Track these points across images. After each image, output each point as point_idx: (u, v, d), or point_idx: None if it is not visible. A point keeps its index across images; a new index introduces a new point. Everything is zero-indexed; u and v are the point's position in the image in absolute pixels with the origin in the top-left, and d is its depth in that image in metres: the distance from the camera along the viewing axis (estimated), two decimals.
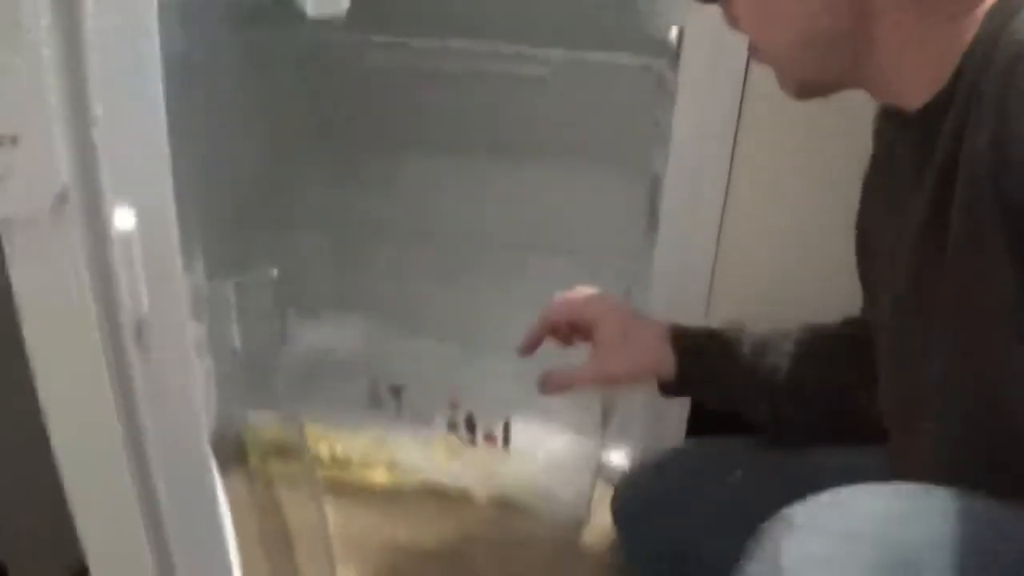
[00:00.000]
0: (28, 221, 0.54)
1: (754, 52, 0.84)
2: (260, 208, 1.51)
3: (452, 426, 1.40)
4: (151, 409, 0.68)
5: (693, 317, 1.23)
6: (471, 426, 1.39)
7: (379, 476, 1.38)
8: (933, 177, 0.75)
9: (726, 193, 1.21)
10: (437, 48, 1.39)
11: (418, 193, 1.60)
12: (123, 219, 0.61)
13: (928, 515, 0.64)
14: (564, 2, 1.53)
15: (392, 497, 1.35)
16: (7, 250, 0.55)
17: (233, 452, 1.34)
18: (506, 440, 1.38)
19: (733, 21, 0.84)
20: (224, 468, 1.26)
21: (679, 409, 1.29)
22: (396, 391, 1.42)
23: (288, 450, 1.37)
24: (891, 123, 0.85)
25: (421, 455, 1.37)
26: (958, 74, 0.72)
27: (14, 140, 0.52)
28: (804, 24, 0.79)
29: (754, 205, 1.23)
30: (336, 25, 1.29)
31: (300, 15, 1.35)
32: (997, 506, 0.65)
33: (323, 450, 1.41)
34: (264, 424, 1.35)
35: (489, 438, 1.39)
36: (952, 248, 0.73)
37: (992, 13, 0.71)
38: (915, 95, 0.77)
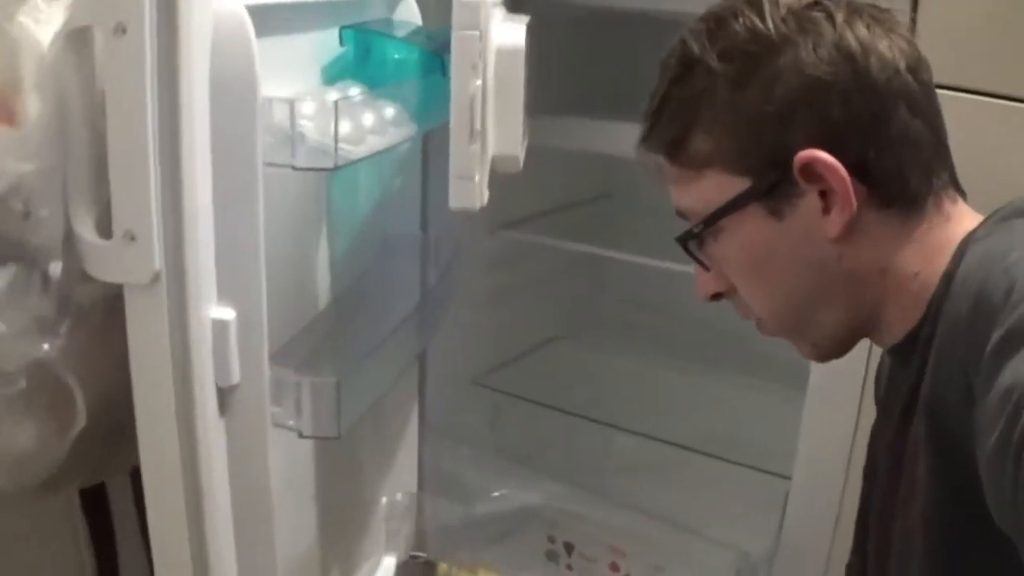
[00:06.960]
0: (134, 287, 0.88)
1: (759, 325, 0.89)
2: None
3: None
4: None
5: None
6: None
7: None
8: (900, 405, 0.82)
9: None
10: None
11: (624, 386, 1.81)
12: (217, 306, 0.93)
13: None
14: None
15: None
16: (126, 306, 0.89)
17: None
18: None
19: (710, 287, 0.89)
20: None
21: None
22: (568, 547, 1.59)
23: None
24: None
25: None
26: (926, 314, 0.78)
27: (133, 237, 0.86)
28: (797, 281, 0.84)
29: None
30: None
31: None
32: None
33: None
34: (458, 560, 1.59)
35: None
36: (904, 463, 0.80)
37: (955, 254, 0.76)
38: (892, 335, 0.84)
